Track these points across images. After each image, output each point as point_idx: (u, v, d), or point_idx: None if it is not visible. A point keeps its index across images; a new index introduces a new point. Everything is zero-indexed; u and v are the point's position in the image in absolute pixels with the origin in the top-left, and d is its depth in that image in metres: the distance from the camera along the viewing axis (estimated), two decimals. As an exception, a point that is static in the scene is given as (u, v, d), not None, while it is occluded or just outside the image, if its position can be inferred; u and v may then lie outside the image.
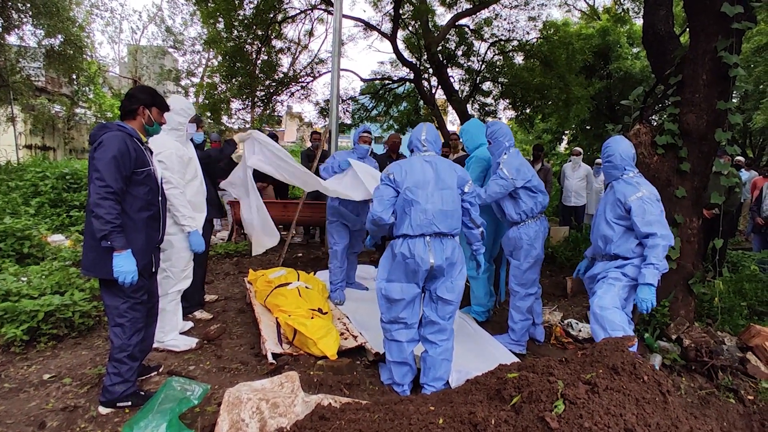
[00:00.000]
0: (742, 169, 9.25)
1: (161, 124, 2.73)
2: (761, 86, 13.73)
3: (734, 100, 3.68)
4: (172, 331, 3.35)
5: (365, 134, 4.47)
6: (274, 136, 7.21)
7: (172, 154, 3.14)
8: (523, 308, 3.61)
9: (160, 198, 2.65)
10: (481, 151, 4.05)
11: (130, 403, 2.55)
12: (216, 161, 3.98)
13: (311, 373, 2.99)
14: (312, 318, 3.42)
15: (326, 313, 3.66)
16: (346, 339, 3.48)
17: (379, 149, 7.44)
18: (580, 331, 3.92)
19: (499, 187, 3.49)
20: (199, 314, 3.98)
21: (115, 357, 2.51)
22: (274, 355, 3.15)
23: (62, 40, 11.01)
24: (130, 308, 2.50)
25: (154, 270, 2.67)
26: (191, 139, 3.66)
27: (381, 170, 5.65)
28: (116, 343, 2.50)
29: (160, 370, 3.02)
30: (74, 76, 12.88)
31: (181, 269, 3.32)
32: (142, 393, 2.62)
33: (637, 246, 2.94)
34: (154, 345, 3.06)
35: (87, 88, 14.37)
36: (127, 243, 2.37)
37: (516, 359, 3.28)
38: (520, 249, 3.58)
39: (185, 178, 3.26)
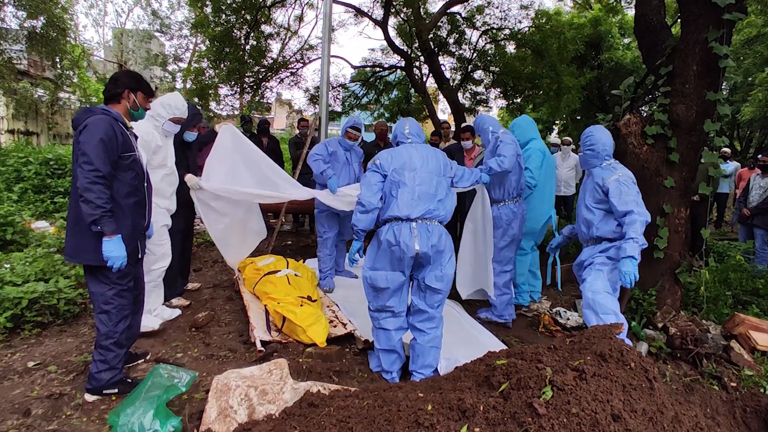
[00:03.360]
0: (727, 160, 9.38)
1: (146, 109, 2.69)
2: (750, 78, 13.85)
3: (723, 92, 3.70)
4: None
5: (351, 131, 4.34)
6: (265, 122, 7.11)
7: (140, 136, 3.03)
8: (500, 284, 3.83)
9: (145, 184, 2.61)
10: (536, 143, 4.15)
11: (116, 390, 2.52)
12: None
13: (300, 360, 2.99)
14: (301, 305, 3.41)
15: (315, 300, 3.65)
16: (335, 326, 3.47)
17: (369, 137, 7.40)
18: (568, 319, 3.96)
19: (510, 157, 3.58)
20: (176, 301, 3.94)
21: (101, 344, 2.47)
22: (263, 343, 3.14)
23: (44, 21, 10.71)
24: (116, 295, 2.47)
25: (140, 256, 2.63)
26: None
27: (368, 158, 5.65)
28: (102, 330, 2.47)
29: (147, 357, 2.99)
30: (58, 60, 12.57)
31: (155, 244, 3.31)
32: (129, 380, 2.59)
33: (617, 227, 3.02)
34: None
35: (71, 72, 14.02)
36: (118, 228, 2.34)
37: (504, 346, 3.31)
38: (498, 228, 3.76)
39: (151, 165, 3.13)
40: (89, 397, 2.51)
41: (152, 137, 3.21)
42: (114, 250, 2.32)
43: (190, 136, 3.88)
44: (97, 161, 2.26)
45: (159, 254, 3.36)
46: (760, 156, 6.28)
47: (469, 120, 12.27)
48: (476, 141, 5.49)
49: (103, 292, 2.45)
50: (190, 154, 3.98)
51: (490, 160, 3.61)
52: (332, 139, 4.46)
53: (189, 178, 3.80)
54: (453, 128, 10.10)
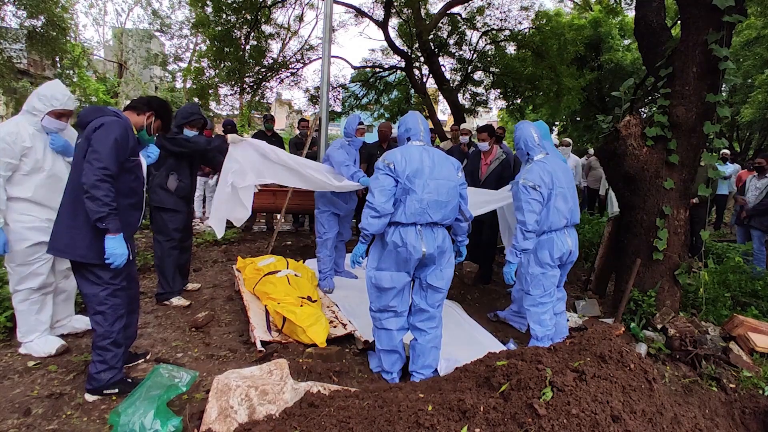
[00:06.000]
0: (727, 162, 9.40)
1: (151, 134, 2.80)
2: (750, 80, 13.87)
3: (723, 94, 3.71)
4: (31, 333, 2.95)
5: (362, 126, 4.41)
6: (230, 123, 7.17)
7: (1, 139, 2.72)
8: None
9: (144, 188, 2.68)
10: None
11: (117, 390, 2.52)
12: (202, 150, 3.83)
13: (300, 360, 2.99)
14: (301, 306, 3.41)
15: (315, 301, 3.65)
16: (335, 327, 3.48)
17: (370, 138, 7.42)
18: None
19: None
20: (177, 301, 3.93)
21: (98, 345, 2.48)
22: (263, 343, 3.14)
23: (45, 21, 10.71)
24: (109, 295, 2.47)
25: (131, 257, 2.64)
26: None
27: (370, 159, 5.66)
28: (99, 331, 2.47)
29: (147, 357, 3.00)
30: (57, 59, 12.59)
31: (16, 264, 2.86)
32: (129, 380, 2.60)
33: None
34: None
35: (71, 71, 14.03)
36: (120, 226, 2.38)
37: (503, 347, 3.32)
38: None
39: (21, 171, 2.81)
40: (89, 398, 2.51)
41: (15, 138, 2.74)
42: (117, 247, 2.36)
43: (189, 134, 3.77)
44: (107, 160, 2.31)
45: (24, 274, 2.87)
46: (756, 158, 6.30)
47: (470, 121, 12.29)
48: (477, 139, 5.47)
49: (96, 293, 2.46)
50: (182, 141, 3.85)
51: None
52: (343, 143, 4.32)
53: (232, 137, 3.87)
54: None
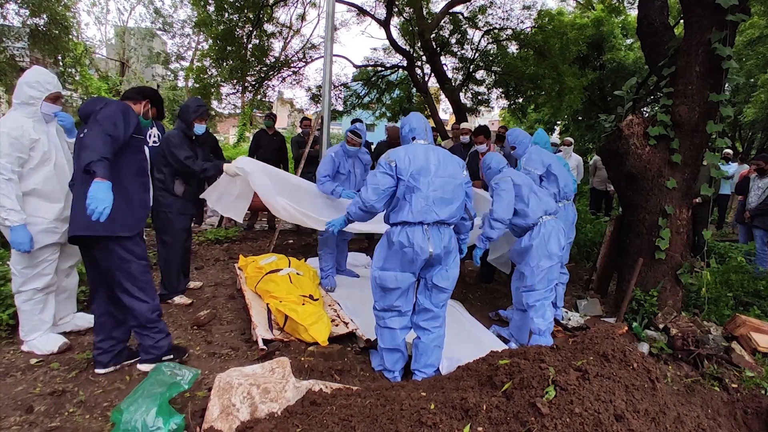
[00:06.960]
0: (732, 162, 9.38)
1: (147, 118, 2.90)
2: (752, 80, 13.84)
3: (726, 93, 3.70)
4: (34, 332, 2.95)
5: (351, 135, 4.22)
6: (272, 117, 7.12)
7: (2, 134, 2.66)
8: None
9: (149, 169, 2.81)
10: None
11: (172, 356, 2.75)
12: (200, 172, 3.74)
13: (302, 359, 2.99)
14: (303, 304, 3.41)
15: (317, 299, 3.65)
16: (337, 325, 3.48)
17: (372, 137, 7.40)
18: (569, 320, 3.96)
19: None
20: (179, 299, 3.93)
21: (149, 318, 2.64)
22: (265, 341, 3.14)
23: (47, 19, 10.72)
24: (144, 270, 2.62)
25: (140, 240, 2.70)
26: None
27: (376, 158, 5.63)
28: (145, 308, 2.62)
29: (150, 355, 3.01)
30: (60, 57, 12.58)
31: (23, 267, 2.85)
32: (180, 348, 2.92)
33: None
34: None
35: (73, 70, 14.04)
36: (110, 177, 2.25)
37: (506, 346, 3.31)
38: None
39: (30, 164, 2.78)
40: (146, 368, 2.71)
41: (22, 132, 2.72)
42: (100, 192, 2.16)
43: (200, 128, 3.73)
44: (108, 126, 2.36)
45: (29, 275, 2.87)
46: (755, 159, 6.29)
47: (471, 120, 12.28)
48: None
49: (132, 270, 2.56)
50: (201, 150, 3.86)
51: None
52: (337, 149, 4.32)
53: (227, 167, 3.74)
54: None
